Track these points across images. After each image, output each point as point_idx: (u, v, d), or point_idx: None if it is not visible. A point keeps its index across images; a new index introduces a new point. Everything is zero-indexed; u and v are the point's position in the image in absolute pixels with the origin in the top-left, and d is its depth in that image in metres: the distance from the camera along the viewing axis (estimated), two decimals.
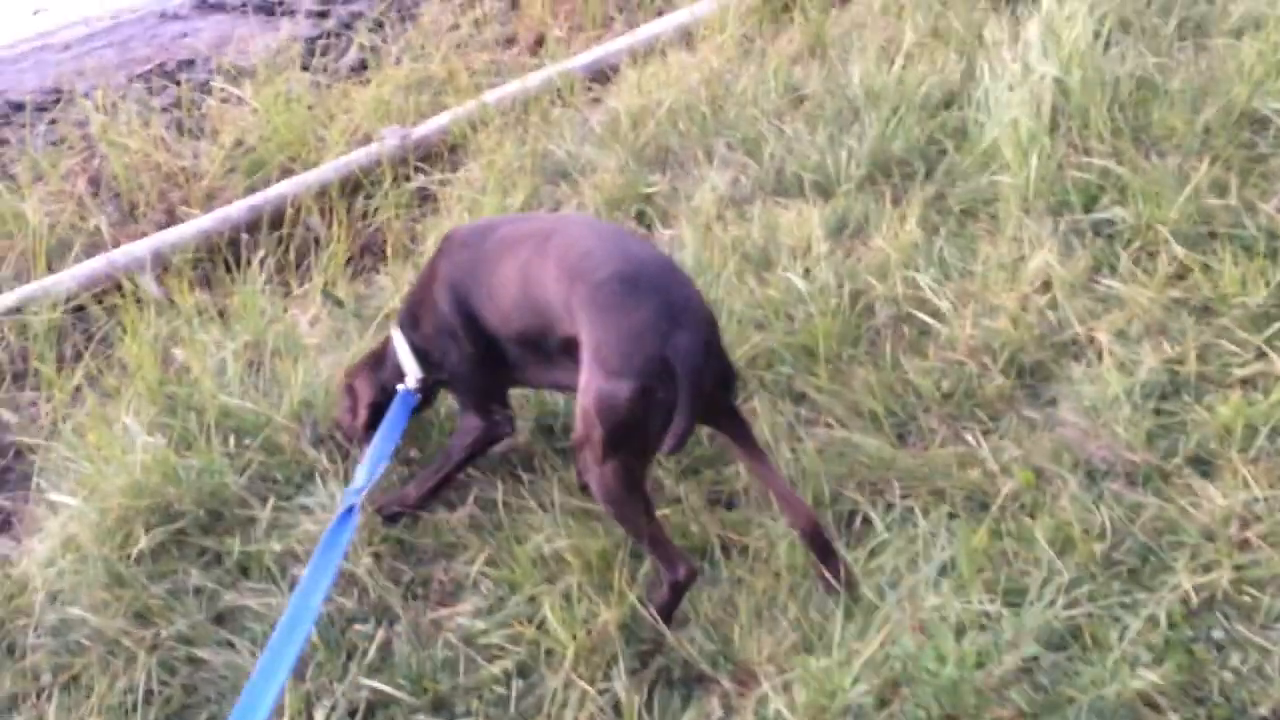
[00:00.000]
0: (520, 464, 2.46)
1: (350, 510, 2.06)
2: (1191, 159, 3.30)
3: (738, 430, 2.13)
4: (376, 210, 3.56)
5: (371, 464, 2.19)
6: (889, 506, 2.32)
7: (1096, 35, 3.80)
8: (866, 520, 2.29)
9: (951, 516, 2.27)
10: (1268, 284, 2.78)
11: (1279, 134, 3.40)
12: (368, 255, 3.47)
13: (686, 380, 1.85)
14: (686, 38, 4.38)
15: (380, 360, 2.45)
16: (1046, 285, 2.90)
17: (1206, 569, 2.10)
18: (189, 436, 2.47)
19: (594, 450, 1.95)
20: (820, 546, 2.11)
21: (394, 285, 3.02)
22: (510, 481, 2.39)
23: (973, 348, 2.73)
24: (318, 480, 2.40)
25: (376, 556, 2.24)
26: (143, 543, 2.20)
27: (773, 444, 2.45)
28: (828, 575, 2.08)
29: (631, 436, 1.91)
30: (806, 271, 2.97)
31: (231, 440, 2.48)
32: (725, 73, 4.00)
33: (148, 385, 2.56)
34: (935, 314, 2.85)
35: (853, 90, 3.79)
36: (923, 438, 2.52)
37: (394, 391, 2.37)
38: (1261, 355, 2.59)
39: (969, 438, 2.50)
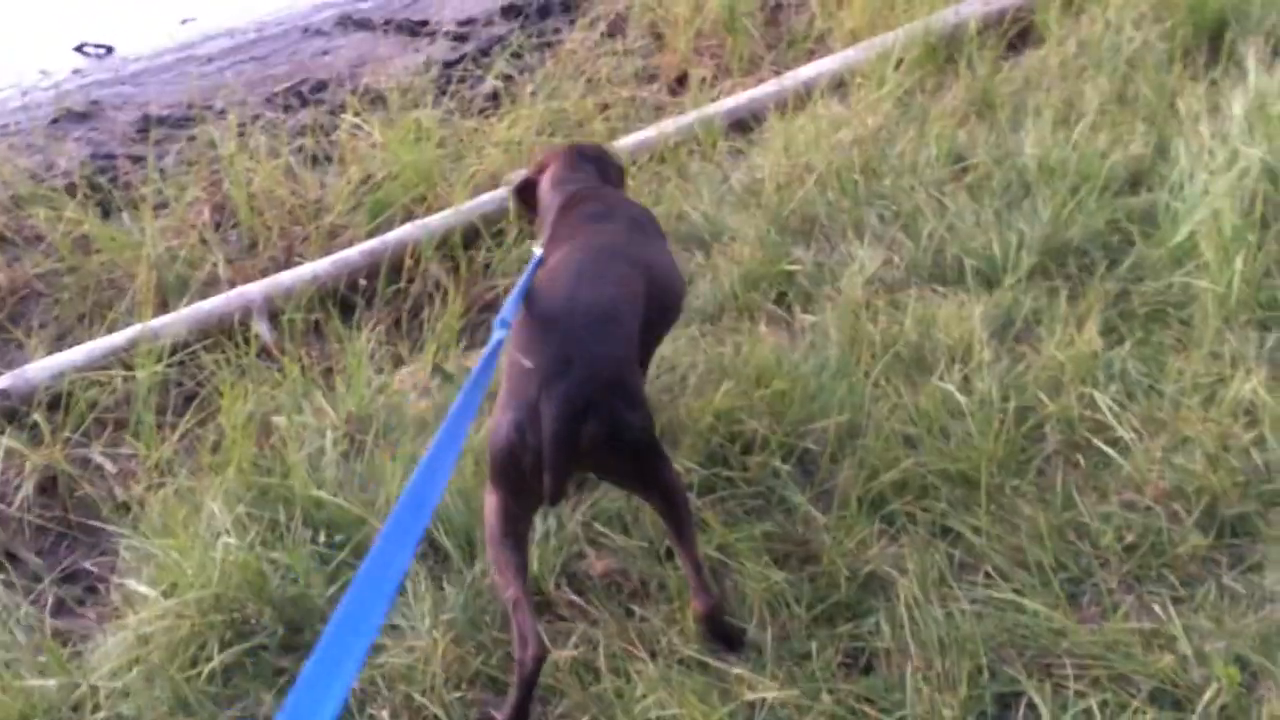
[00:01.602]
0: (633, 595, 2.20)
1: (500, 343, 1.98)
2: None
3: (663, 507, 2.05)
4: (499, 266, 3.34)
5: (511, 301, 2.09)
6: (1059, 691, 1.98)
7: None
8: (1033, 707, 1.95)
9: (1136, 712, 1.91)
10: None
11: None
12: (487, 315, 3.25)
13: (549, 431, 1.83)
14: (840, 87, 4.05)
15: (544, 182, 2.56)
16: (1251, 418, 2.50)
17: None
18: (279, 529, 2.28)
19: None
20: (715, 630, 2.08)
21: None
22: (619, 619, 2.13)
23: (1162, 490, 2.35)
24: (410, 596, 2.18)
25: (463, 700, 2.00)
26: (216, 660, 2.02)
27: (921, 596, 2.13)
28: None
29: (508, 473, 1.92)
30: (965, 380, 2.63)
31: (323, 537, 2.28)
32: (881, 132, 3.67)
33: (240, 468, 2.38)
34: (1116, 444, 2.48)
35: (1024, 161, 3.42)
36: (1100, 602, 2.16)
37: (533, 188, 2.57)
38: None
39: (1157, 608, 2.13)
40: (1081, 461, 2.47)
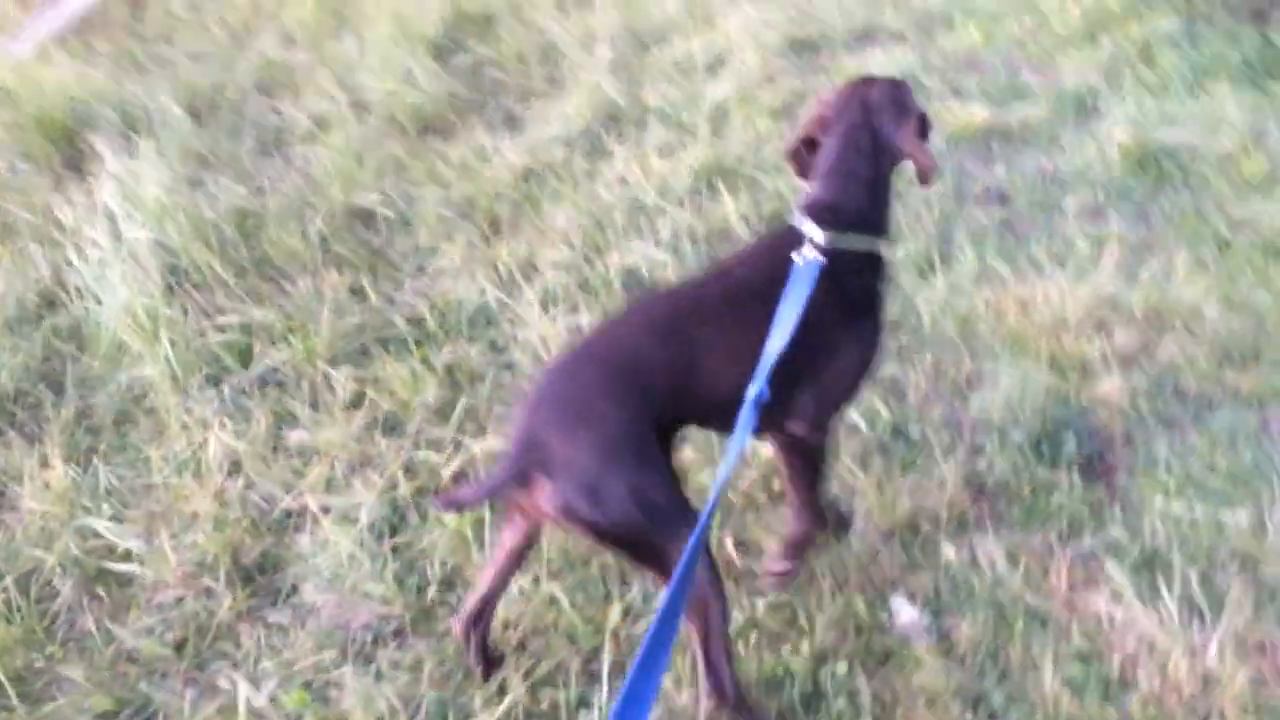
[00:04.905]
0: None
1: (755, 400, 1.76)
2: (323, 274, 3.26)
3: None
4: None
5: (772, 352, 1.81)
6: None
7: (191, 182, 3.61)
8: None
9: None
10: (434, 370, 2.83)
11: (386, 222, 3.51)
12: None
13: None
14: None
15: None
16: (235, 465, 2.63)
17: None
18: None
19: None
20: None
21: None
22: None
23: (186, 574, 2.36)
24: None
25: None
26: None
27: None
28: None
29: None
30: None
31: None
32: None
33: None
34: (130, 557, 2.41)
35: None
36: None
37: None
38: (457, 448, 2.60)
39: (222, 682, 2.13)
40: (107, 595, 2.36)
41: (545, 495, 1.71)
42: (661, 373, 1.81)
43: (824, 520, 2.16)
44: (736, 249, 2.09)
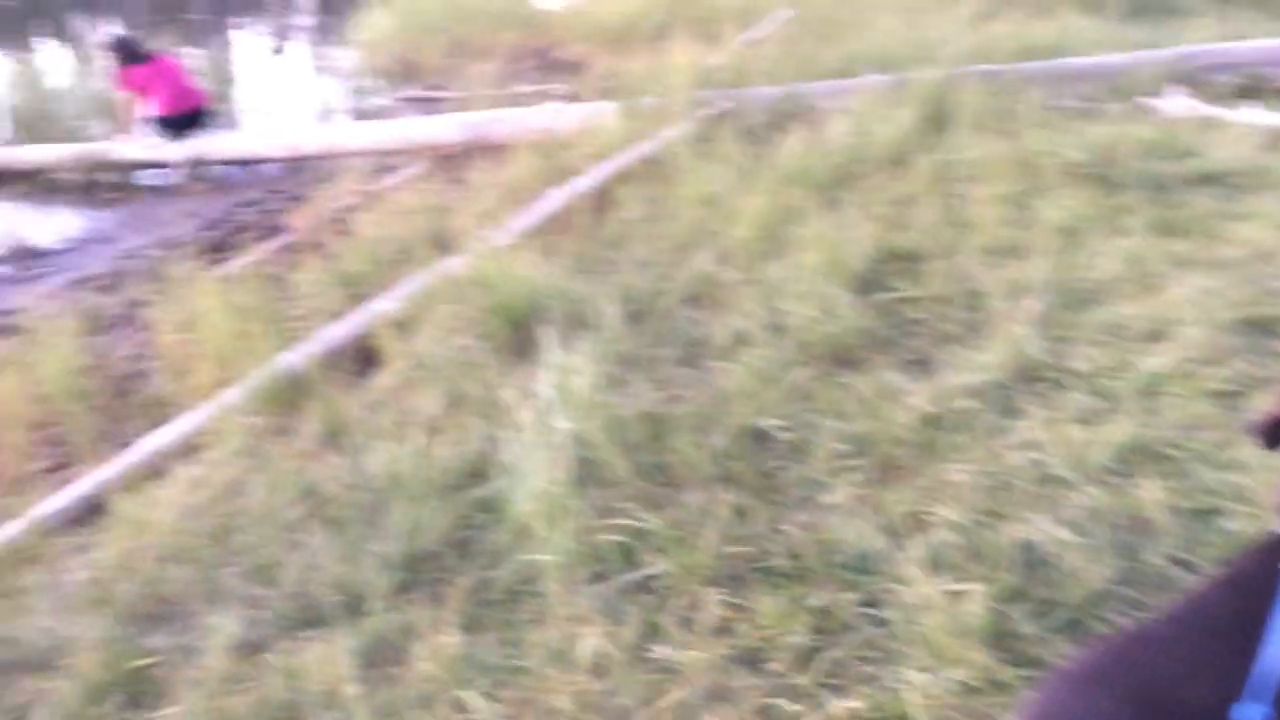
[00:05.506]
0: None
1: None
2: (713, 488, 3.36)
3: None
4: None
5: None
6: None
7: (615, 381, 3.91)
8: None
9: None
10: (805, 610, 2.79)
11: (782, 447, 3.57)
12: None
13: None
14: (193, 450, 4.00)
15: None
16: (601, 667, 2.72)
17: None
18: None
19: None
20: None
21: None
22: None
23: None
24: None
25: None
26: None
27: None
28: None
29: None
30: None
31: None
32: (236, 486, 3.64)
33: None
34: None
35: (377, 480, 3.57)
36: None
37: None
38: (816, 702, 2.52)
39: None
40: None
41: None
42: (1182, 711, 1.63)
43: None
44: (1229, 561, 1.89)
